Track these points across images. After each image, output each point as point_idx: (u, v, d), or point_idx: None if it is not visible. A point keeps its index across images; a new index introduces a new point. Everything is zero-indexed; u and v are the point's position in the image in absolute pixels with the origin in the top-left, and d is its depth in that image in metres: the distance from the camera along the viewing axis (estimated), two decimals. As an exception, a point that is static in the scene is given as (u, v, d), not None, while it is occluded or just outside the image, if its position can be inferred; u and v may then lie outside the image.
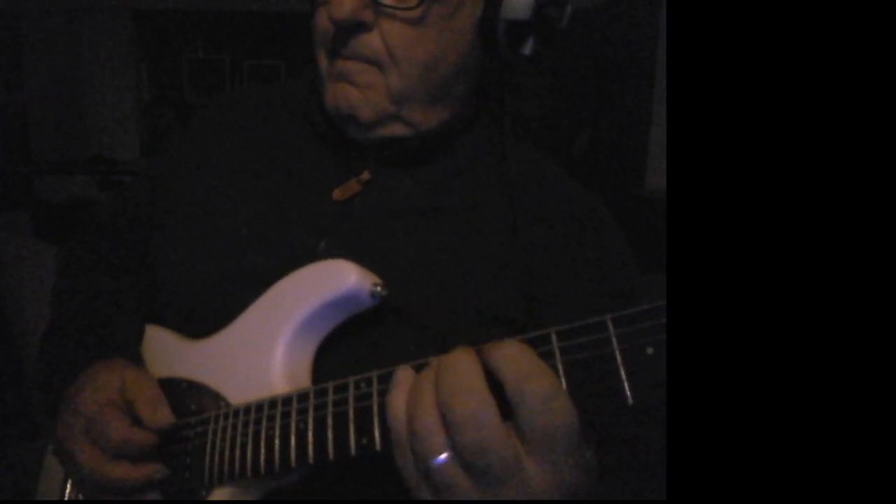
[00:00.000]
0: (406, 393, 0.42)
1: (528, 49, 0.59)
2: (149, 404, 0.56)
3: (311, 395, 0.50)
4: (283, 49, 4.68)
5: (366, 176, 0.63)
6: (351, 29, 0.57)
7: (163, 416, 0.56)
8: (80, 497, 0.65)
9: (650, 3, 3.62)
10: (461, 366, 0.40)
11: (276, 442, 0.50)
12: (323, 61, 0.61)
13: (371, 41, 0.57)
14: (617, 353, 0.36)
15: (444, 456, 0.39)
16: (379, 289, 0.54)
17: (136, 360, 0.65)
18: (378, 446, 0.44)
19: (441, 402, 0.39)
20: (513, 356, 0.39)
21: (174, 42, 4.71)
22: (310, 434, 0.48)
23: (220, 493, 0.55)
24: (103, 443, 0.55)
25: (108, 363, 0.61)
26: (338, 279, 0.54)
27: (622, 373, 0.36)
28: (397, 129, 0.62)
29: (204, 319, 0.62)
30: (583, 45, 3.95)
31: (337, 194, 0.63)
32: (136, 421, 0.56)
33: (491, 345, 0.40)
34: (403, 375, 0.43)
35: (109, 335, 0.66)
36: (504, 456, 0.38)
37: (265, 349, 0.56)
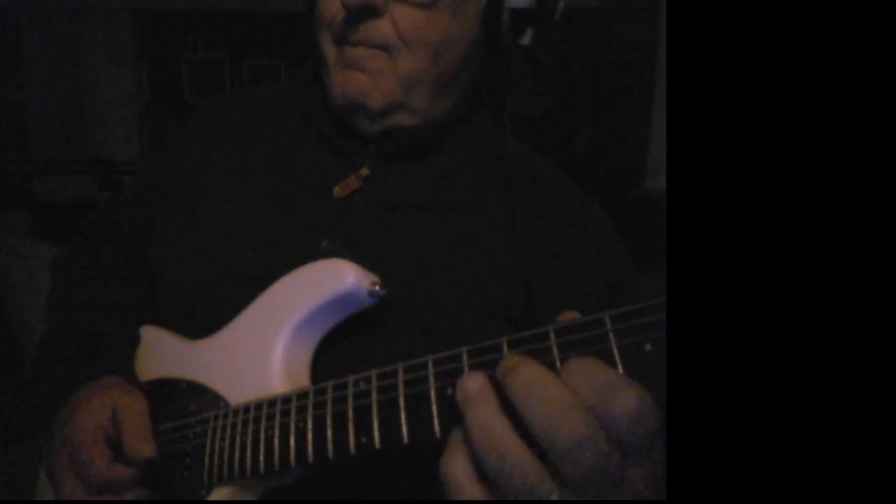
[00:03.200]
0: (464, 453, 0.37)
1: (526, 39, 0.60)
2: (131, 435, 0.55)
3: (311, 395, 0.50)
4: (283, 49, 4.68)
5: (365, 172, 0.63)
6: (362, 14, 0.57)
7: (143, 448, 0.55)
8: None
9: (650, 3, 3.62)
10: (542, 383, 0.34)
11: (276, 441, 0.50)
12: (329, 49, 0.61)
13: (382, 26, 0.57)
14: (615, 349, 0.36)
15: (556, 496, 0.34)
16: (377, 288, 0.54)
17: (130, 371, 0.64)
18: (377, 445, 0.44)
19: (539, 436, 0.34)
20: (583, 371, 0.35)
21: (174, 42, 4.71)
22: (309, 433, 0.48)
23: (219, 493, 0.55)
24: (85, 480, 0.55)
25: (102, 385, 0.60)
26: (336, 279, 0.54)
27: (620, 369, 0.36)
28: (403, 119, 0.62)
29: (203, 320, 0.62)
30: (583, 45, 3.95)
31: (337, 191, 0.63)
32: (120, 451, 0.56)
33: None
34: (457, 438, 0.37)
35: (104, 349, 0.66)
36: (614, 462, 0.34)
37: (264, 349, 0.56)
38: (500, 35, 0.59)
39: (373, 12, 0.56)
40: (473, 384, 0.37)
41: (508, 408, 0.36)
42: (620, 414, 0.33)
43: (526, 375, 0.35)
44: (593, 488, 0.34)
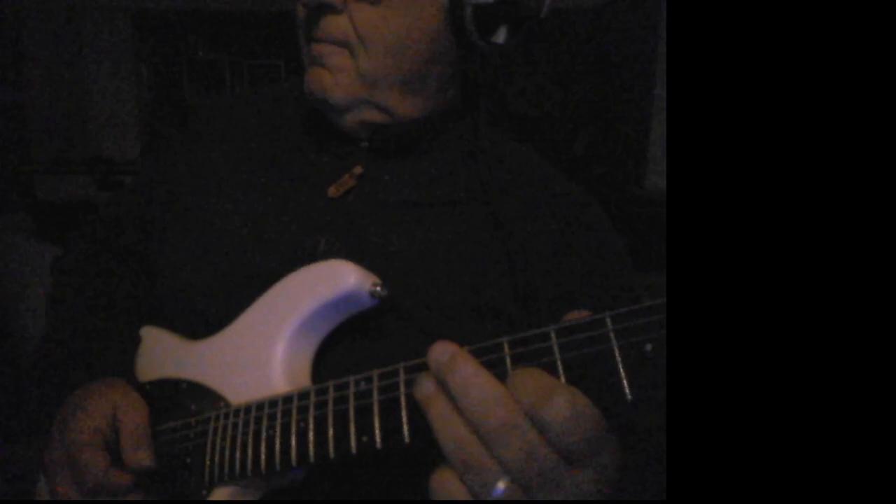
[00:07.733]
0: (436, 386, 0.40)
1: (500, 37, 0.60)
2: (131, 441, 0.55)
3: (312, 395, 0.50)
4: (283, 49, 4.68)
5: (358, 170, 0.64)
6: (321, 11, 0.59)
7: (143, 456, 0.55)
8: None
9: (650, 3, 3.62)
10: (473, 379, 0.38)
11: (277, 441, 0.50)
12: (302, 47, 0.63)
13: (340, 23, 0.59)
14: (616, 349, 0.37)
15: (502, 486, 0.37)
16: (378, 289, 0.54)
17: (130, 372, 0.65)
18: (379, 445, 0.44)
19: (472, 422, 0.38)
20: (523, 377, 0.38)
21: (174, 42, 4.71)
22: (310, 433, 0.48)
23: (220, 493, 0.55)
24: (79, 482, 0.55)
25: (102, 386, 0.60)
26: (338, 280, 0.54)
27: (621, 369, 0.36)
28: (373, 115, 0.63)
29: (204, 320, 0.62)
30: (583, 45, 3.95)
31: (332, 191, 0.63)
32: (118, 456, 0.56)
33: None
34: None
35: (104, 349, 0.66)
36: (550, 459, 0.37)
37: (265, 349, 0.56)
38: (467, 32, 0.59)
39: (331, 9, 0.58)
40: (429, 384, 0.40)
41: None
42: (553, 416, 0.36)
43: (463, 373, 0.39)
44: (535, 483, 0.37)
